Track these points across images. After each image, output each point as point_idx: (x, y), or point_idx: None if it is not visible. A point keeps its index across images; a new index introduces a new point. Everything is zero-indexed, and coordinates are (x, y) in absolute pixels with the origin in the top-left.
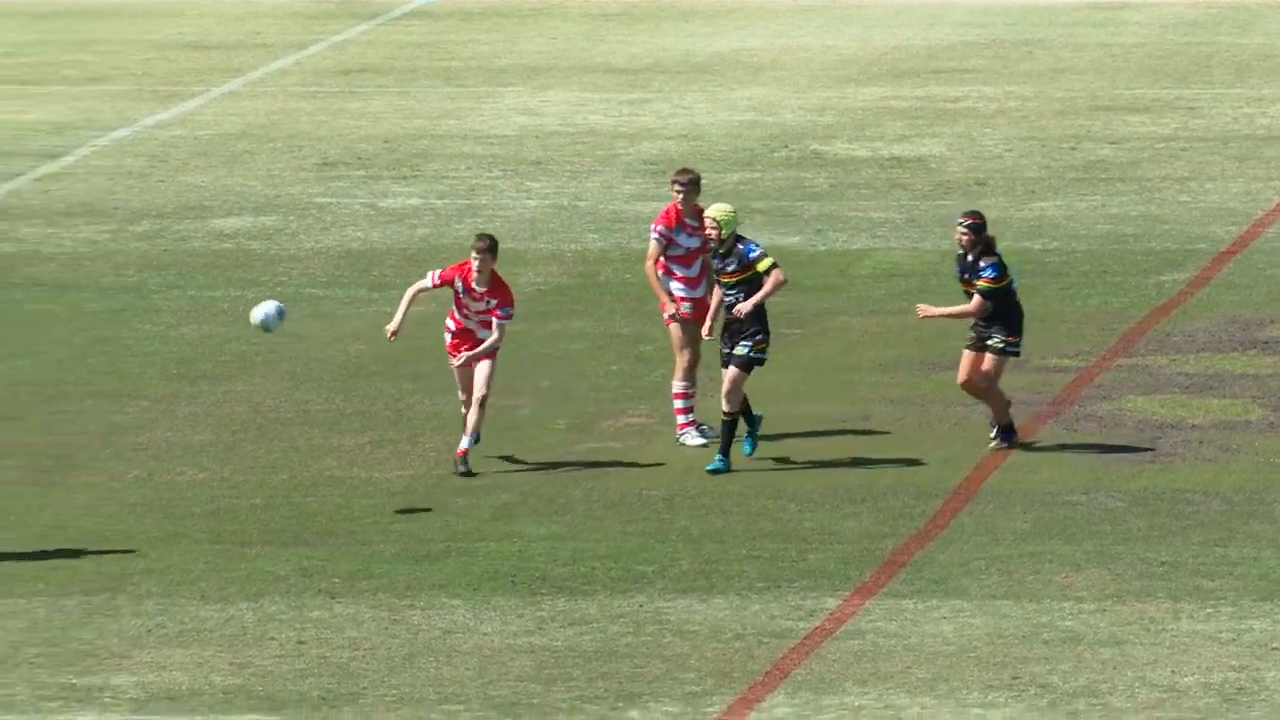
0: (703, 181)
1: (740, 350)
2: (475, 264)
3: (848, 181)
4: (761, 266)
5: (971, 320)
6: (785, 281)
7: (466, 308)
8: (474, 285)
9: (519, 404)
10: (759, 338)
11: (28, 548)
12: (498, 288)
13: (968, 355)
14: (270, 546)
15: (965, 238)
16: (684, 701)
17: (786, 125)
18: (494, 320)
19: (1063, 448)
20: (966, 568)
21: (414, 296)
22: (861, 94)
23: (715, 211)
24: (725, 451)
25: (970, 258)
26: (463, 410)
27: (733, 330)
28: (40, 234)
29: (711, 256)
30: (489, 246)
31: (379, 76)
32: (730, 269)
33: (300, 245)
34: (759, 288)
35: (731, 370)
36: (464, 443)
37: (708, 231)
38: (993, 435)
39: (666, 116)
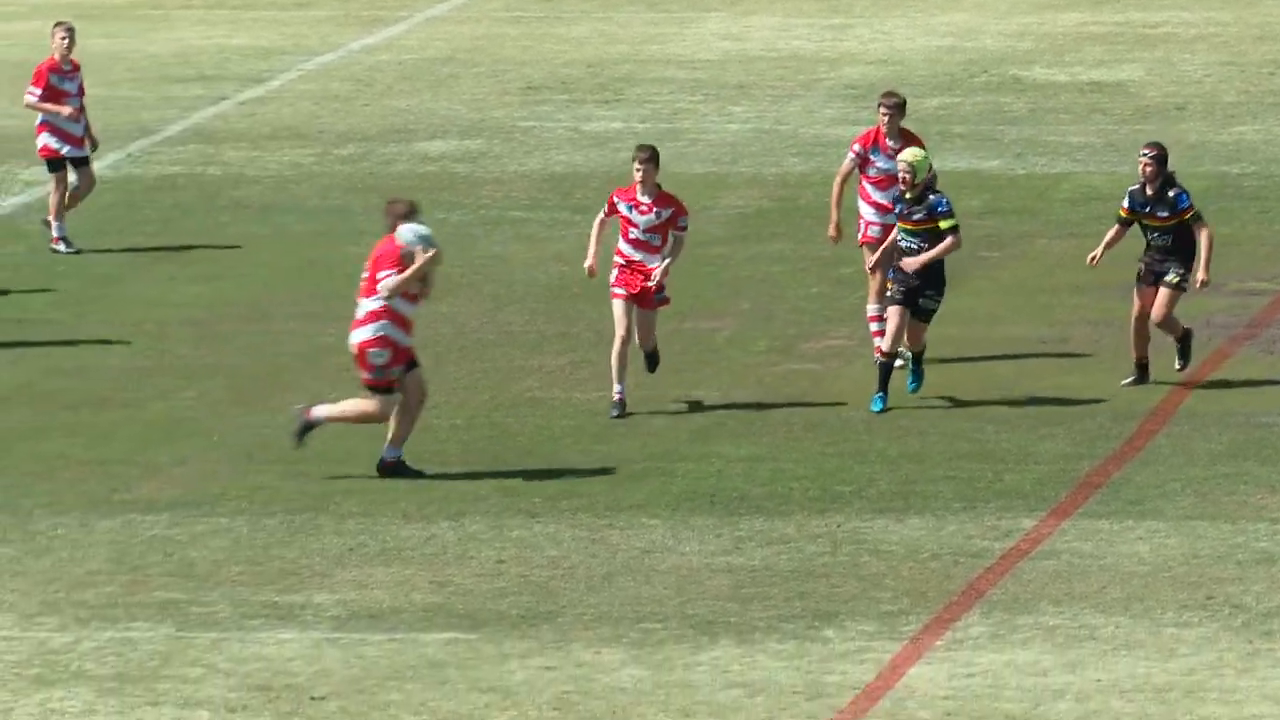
0: (907, 105)
1: (928, 304)
2: (638, 175)
3: (1047, 106)
4: (943, 225)
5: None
6: (958, 247)
7: (635, 226)
8: (639, 197)
9: (720, 326)
10: (940, 294)
11: (232, 466)
12: (666, 200)
13: (1144, 291)
14: (471, 466)
15: (1149, 168)
16: (880, 620)
17: (986, 50)
18: (671, 234)
19: (1259, 370)
20: (1162, 489)
21: (599, 227)
22: (1061, 19)
23: (909, 155)
24: (884, 388)
25: (1149, 190)
26: (616, 348)
27: (909, 276)
28: (245, 157)
29: (898, 200)
30: (650, 156)
31: (582, 2)
32: (916, 217)
33: (504, 168)
34: (940, 240)
35: (917, 323)
36: (617, 389)
37: (901, 176)
38: (1178, 362)
39: (867, 41)
